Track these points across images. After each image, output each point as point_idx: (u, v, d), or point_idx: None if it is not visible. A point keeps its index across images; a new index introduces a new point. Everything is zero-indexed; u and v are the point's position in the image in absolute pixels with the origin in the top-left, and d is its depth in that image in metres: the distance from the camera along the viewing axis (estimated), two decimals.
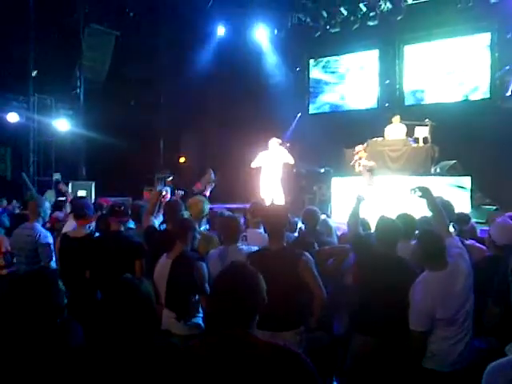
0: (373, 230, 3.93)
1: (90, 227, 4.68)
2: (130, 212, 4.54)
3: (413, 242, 3.59)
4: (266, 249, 3.46)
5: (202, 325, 3.63)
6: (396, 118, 10.27)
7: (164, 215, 4.76)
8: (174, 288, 3.57)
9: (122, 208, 4.29)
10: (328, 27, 13.79)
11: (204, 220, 4.95)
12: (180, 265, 3.59)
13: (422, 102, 13.48)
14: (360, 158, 9.67)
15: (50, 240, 4.76)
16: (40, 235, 4.67)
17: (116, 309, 1.94)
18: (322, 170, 11.92)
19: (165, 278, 3.63)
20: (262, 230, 4.32)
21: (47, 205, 5.11)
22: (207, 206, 4.83)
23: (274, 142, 9.65)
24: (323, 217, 5.35)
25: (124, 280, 2.08)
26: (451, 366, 3.07)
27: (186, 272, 3.52)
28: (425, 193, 3.48)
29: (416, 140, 10.00)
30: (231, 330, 1.79)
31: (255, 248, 3.69)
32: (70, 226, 5.03)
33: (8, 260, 5.07)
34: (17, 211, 7.08)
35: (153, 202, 4.83)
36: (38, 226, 4.78)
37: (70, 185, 11.29)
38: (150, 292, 2.04)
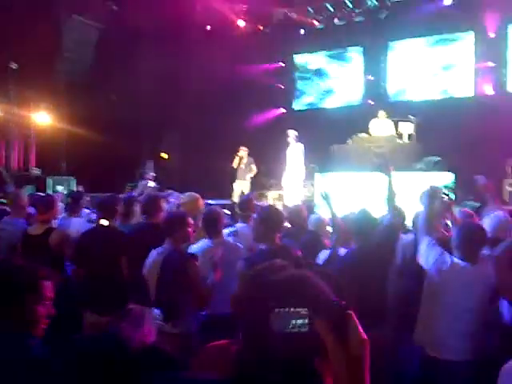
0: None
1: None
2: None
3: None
4: (261, 250, 3.30)
5: (191, 326, 3.45)
6: (381, 113, 10.25)
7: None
8: (163, 287, 3.37)
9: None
10: (314, 23, 13.76)
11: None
12: (171, 262, 3.40)
13: (407, 99, 13.50)
14: (241, 158, 10.53)
15: None
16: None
17: None
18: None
19: (154, 276, 3.45)
20: (251, 224, 4.14)
21: None
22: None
23: (292, 135, 9.88)
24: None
25: None
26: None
27: (177, 270, 3.33)
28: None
29: (400, 136, 10.01)
30: None
31: (240, 245, 3.71)
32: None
33: None
34: None
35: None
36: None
37: (50, 180, 11.09)
38: None
